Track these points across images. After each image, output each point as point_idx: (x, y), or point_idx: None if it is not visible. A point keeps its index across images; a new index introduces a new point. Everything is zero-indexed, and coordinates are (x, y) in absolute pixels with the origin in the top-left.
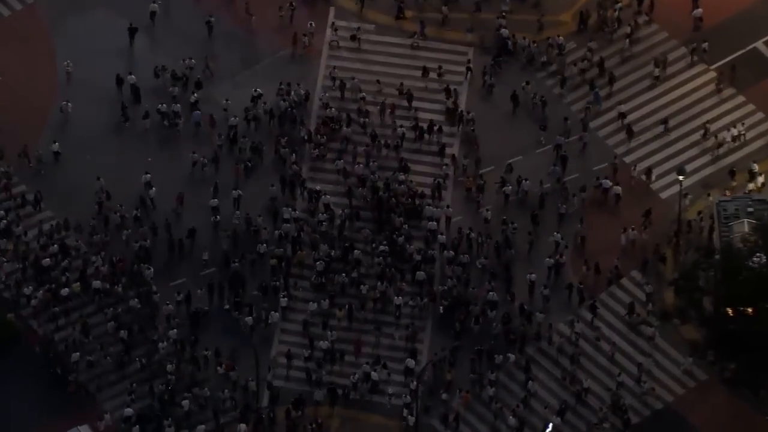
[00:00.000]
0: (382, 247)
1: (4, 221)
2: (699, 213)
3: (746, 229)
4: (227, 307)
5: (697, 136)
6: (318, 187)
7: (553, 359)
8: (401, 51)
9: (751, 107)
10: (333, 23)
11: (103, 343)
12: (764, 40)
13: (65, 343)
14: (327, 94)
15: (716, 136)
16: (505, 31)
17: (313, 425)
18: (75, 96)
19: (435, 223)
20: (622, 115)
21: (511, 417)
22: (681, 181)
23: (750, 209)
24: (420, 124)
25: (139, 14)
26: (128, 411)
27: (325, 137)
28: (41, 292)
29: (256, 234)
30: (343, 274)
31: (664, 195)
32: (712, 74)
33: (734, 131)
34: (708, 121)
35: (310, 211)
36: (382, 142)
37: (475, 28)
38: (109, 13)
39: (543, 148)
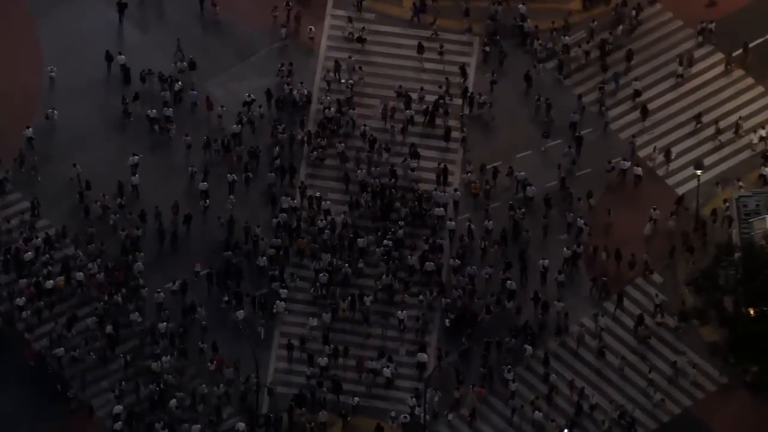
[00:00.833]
0: (385, 241)
1: None
2: (722, 206)
3: None
4: (226, 299)
5: (712, 130)
6: (318, 193)
7: (574, 352)
8: (402, 42)
9: None
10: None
11: (87, 338)
12: None
13: (50, 336)
14: (327, 98)
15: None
16: (522, 7)
17: (312, 424)
18: (62, 87)
19: (443, 209)
20: (637, 93)
21: (537, 411)
22: (699, 175)
23: None
24: (427, 106)
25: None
26: (117, 408)
27: (324, 140)
28: (23, 282)
29: (255, 245)
30: (347, 265)
31: (680, 190)
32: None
33: (762, 132)
34: (740, 118)
35: (311, 218)
36: (383, 146)
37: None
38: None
39: (551, 143)
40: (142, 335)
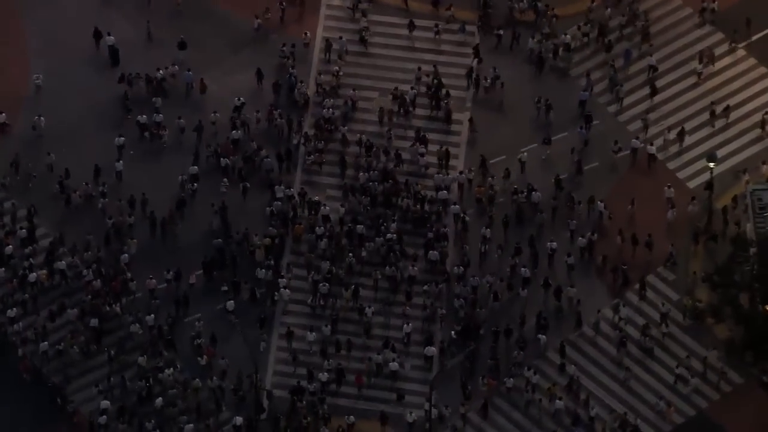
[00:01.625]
0: (389, 235)
1: None
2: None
3: None
4: (225, 288)
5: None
6: (317, 198)
7: (592, 342)
8: (401, 32)
9: None
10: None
11: (72, 331)
12: None
13: (34, 330)
14: (326, 101)
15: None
16: None
17: (308, 419)
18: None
19: (446, 192)
20: (653, 69)
21: (558, 400)
22: (712, 168)
23: None
24: (426, 85)
25: None
26: (105, 403)
27: (322, 142)
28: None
29: (252, 255)
30: (350, 254)
31: (692, 184)
32: (742, 52)
33: None
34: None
35: (310, 226)
36: (381, 149)
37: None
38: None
39: (556, 136)
40: (142, 345)
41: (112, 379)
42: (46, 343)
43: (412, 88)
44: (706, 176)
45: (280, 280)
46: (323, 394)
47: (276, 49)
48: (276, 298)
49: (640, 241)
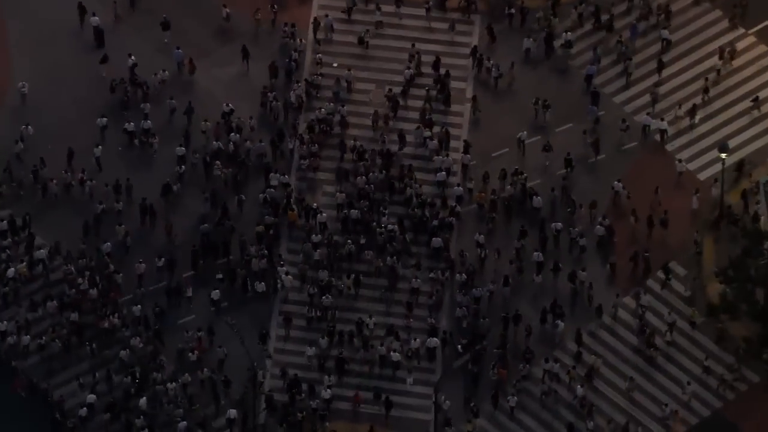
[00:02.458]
0: (390, 226)
1: None
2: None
3: None
4: (220, 277)
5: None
6: (315, 204)
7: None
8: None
9: None
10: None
11: (54, 325)
12: None
13: (15, 323)
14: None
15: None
16: None
17: (304, 414)
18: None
19: (444, 173)
20: (666, 42)
21: (579, 387)
22: (723, 159)
23: None
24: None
25: None
26: (91, 397)
27: (316, 145)
28: None
29: (248, 264)
30: (349, 242)
31: (702, 176)
32: (752, 38)
33: None
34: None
35: (306, 233)
36: (376, 151)
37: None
38: None
39: (560, 128)
40: (143, 361)
41: (97, 375)
42: (28, 336)
43: (407, 68)
44: (718, 166)
45: (279, 269)
46: (324, 411)
47: (269, 40)
48: (279, 286)
49: (655, 223)
